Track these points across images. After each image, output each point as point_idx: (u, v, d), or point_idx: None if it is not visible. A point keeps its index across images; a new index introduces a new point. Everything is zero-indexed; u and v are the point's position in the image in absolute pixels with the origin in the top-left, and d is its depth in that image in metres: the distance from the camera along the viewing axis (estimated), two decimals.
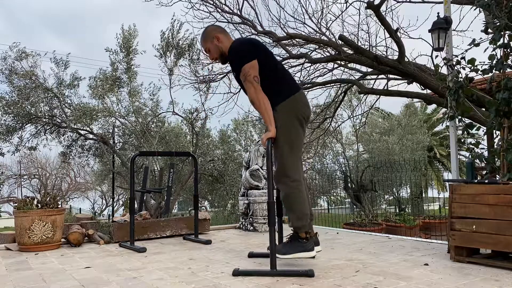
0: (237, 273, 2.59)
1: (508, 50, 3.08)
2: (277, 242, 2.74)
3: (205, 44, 2.91)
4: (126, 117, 9.44)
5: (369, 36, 6.11)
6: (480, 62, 3.23)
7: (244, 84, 2.71)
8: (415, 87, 6.64)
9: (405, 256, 3.09)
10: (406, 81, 6.10)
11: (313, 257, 2.75)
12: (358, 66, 6.74)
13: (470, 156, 3.30)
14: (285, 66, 6.95)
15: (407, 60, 5.41)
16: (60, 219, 3.80)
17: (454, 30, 5.04)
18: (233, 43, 2.82)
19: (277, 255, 2.66)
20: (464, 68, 3.32)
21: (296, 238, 2.71)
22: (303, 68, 6.81)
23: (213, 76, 7.58)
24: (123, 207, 19.16)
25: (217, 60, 2.94)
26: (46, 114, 8.95)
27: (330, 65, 6.82)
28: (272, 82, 2.74)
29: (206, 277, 2.58)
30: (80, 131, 9.40)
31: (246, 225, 4.86)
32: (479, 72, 3.23)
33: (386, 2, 5.00)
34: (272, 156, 2.71)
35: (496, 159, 3.17)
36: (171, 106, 9.07)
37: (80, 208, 24.88)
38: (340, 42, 5.65)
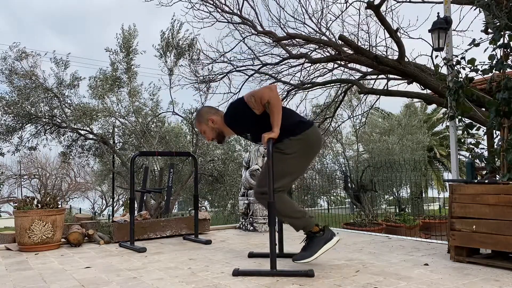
0: (237, 273, 2.59)
1: (508, 50, 3.08)
2: (277, 242, 2.73)
3: (200, 127, 2.99)
4: (126, 117, 9.44)
5: (369, 36, 6.12)
6: (480, 62, 3.23)
7: (256, 97, 2.64)
8: (415, 87, 6.65)
9: (405, 256, 3.09)
10: (406, 81, 6.11)
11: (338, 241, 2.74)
12: (358, 66, 6.74)
13: (470, 156, 3.30)
14: (285, 66, 7.02)
15: (407, 60, 5.41)
16: (60, 219, 3.80)
17: (454, 30, 5.04)
18: (226, 110, 2.89)
19: (303, 260, 2.64)
20: (464, 68, 3.32)
21: (312, 236, 2.71)
22: (303, 68, 6.82)
23: (213, 76, 7.58)
24: (123, 207, 19.16)
25: (214, 140, 3.01)
26: (46, 114, 8.95)
27: (330, 65, 6.82)
28: (284, 118, 2.69)
29: (206, 277, 2.58)
30: (80, 131, 9.39)
31: (246, 225, 4.86)
32: (479, 72, 3.23)
33: (386, 2, 5.01)
34: (261, 170, 2.70)
35: (496, 159, 3.17)
36: (171, 106, 9.07)
37: (80, 208, 24.89)
38: (340, 42, 5.65)
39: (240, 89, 7.23)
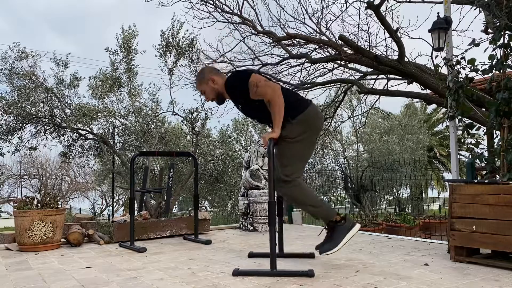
0: (237, 273, 2.59)
1: (508, 50, 3.08)
2: (277, 242, 2.73)
3: (200, 87, 2.98)
4: (126, 117, 9.45)
5: (369, 36, 6.11)
6: (480, 62, 3.23)
7: (258, 91, 2.66)
8: (415, 87, 6.64)
9: (405, 256, 3.09)
10: (406, 81, 6.11)
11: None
12: (358, 66, 6.74)
13: (470, 156, 3.30)
14: (285, 66, 7.01)
15: (407, 60, 5.41)
16: (60, 219, 3.80)
17: (454, 30, 5.03)
18: (229, 76, 2.90)
19: (329, 252, 2.65)
20: (464, 68, 3.32)
21: (333, 226, 2.71)
22: (303, 68, 6.81)
23: None
24: (123, 207, 19.15)
25: (213, 101, 3.00)
26: (46, 114, 8.96)
27: (330, 65, 6.81)
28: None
29: (206, 277, 2.58)
30: (80, 131, 9.40)
31: (246, 225, 4.86)
32: (479, 72, 3.23)
33: (386, 2, 5.00)
34: (275, 158, 2.71)
35: (496, 159, 3.17)
36: (171, 106, 9.09)
37: (80, 208, 24.87)
38: (340, 42, 5.65)
39: None
